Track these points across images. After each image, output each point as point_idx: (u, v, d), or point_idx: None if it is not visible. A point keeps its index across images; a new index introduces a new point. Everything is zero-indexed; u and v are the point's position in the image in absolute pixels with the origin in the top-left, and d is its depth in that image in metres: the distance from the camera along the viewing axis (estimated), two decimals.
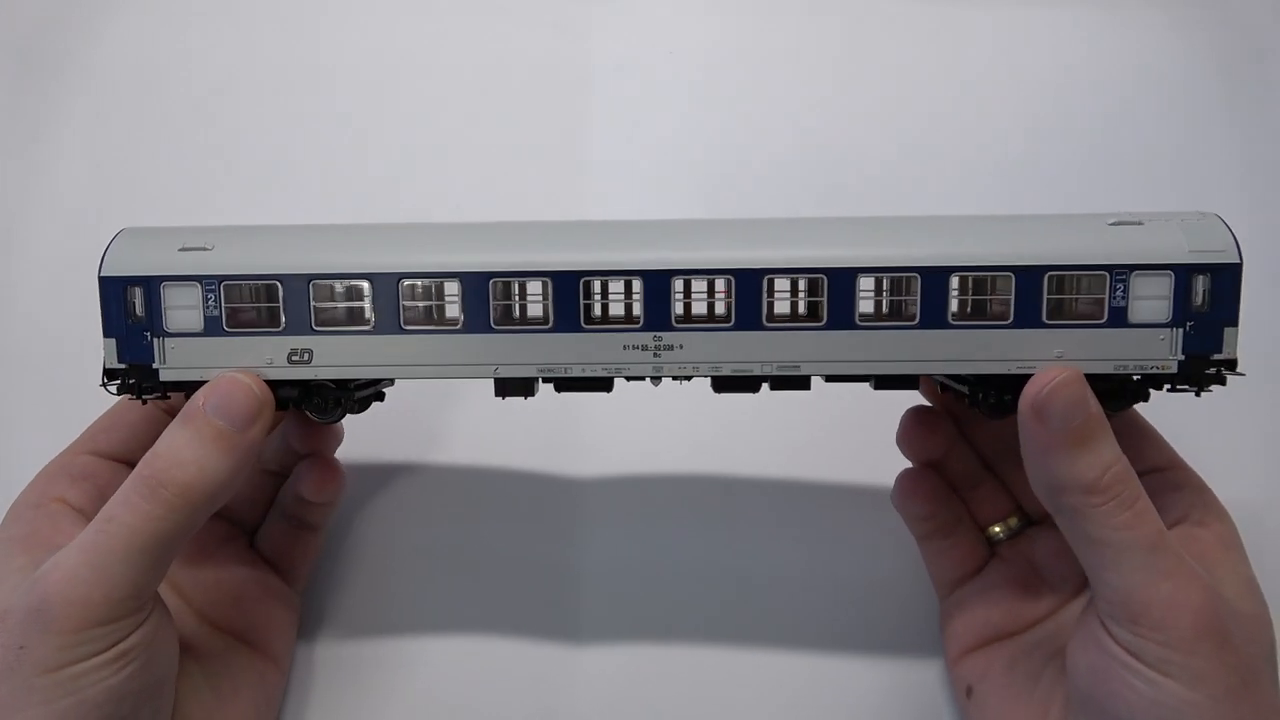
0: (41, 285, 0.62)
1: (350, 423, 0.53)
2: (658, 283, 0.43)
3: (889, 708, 0.54)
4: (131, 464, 0.46)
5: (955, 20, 0.65)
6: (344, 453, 0.55)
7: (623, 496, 0.58)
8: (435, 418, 0.60)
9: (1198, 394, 0.43)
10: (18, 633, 0.38)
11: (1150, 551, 0.39)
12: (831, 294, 0.43)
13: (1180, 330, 0.42)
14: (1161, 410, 0.46)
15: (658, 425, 0.58)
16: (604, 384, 0.44)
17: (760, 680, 0.55)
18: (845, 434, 0.57)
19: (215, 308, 0.43)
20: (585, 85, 0.65)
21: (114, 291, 0.43)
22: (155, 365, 0.44)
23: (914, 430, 0.51)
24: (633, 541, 0.58)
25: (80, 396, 0.48)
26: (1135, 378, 0.43)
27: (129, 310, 0.43)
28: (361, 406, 0.49)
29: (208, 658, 0.48)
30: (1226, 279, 0.42)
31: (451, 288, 0.43)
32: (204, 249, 0.44)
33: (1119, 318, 0.42)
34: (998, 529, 0.52)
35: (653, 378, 0.44)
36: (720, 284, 0.43)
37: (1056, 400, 0.40)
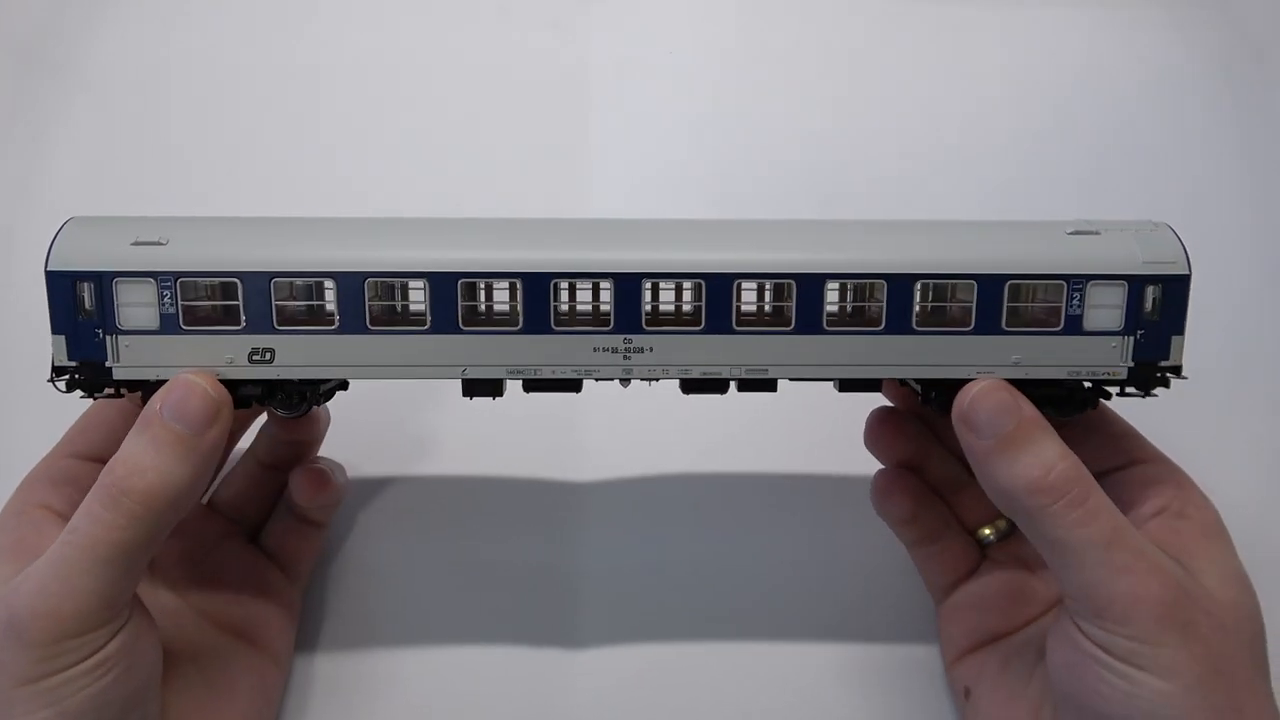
0: (39, 284, 0.60)
1: (344, 429, 0.53)
2: (628, 286, 0.43)
3: (894, 705, 0.54)
4: None
5: (956, 19, 0.65)
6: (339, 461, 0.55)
7: (621, 498, 0.58)
8: (428, 424, 0.59)
9: (1144, 396, 0.45)
10: None
11: (1106, 548, 0.39)
12: (800, 299, 0.43)
13: (1131, 338, 0.44)
14: (1148, 409, 0.47)
15: (652, 425, 0.58)
16: (573, 385, 0.44)
17: (764, 681, 0.55)
18: (846, 430, 0.55)
19: (171, 305, 0.42)
20: (585, 85, 0.64)
21: (62, 287, 0.42)
22: (108, 364, 0.42)
23: (879, 430, 0.51)
24: (632, 543, 0.57)
25: (78, 397, 0.45)
26: (1086, 384, 0.45)
27: (79, 306, 0.42)
28: (326, 397, 0.48)
29: (204, 656, 0.47)
30: (1176, 289, 0.43)
31: (418, 288, 0.43)
32: (158, 243, 0.42)
33: (1074, 325, 0.44)
34: (987, 531, 0.52)
35: (621, 379, 0.44)
36: (690, 288, 0.43)
37: (980, 409, 0.41)
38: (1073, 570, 0.40)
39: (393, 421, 0.54)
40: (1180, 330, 0.44)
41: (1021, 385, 0.43)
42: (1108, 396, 0.46)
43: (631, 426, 0.58)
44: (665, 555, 0.57)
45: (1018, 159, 0.64)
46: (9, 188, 0.63)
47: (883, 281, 0.43)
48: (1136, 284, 0.43)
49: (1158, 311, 0.44)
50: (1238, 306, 0.56)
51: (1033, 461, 0.40)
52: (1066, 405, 0.45)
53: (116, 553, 0.39)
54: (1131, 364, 0.44)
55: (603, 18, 0.65)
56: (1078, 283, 0.43)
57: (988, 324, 0.43)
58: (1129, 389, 0.45)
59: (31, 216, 0.62)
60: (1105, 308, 0.44)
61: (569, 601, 0.56)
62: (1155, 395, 0.45)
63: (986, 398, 0.41)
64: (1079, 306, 0.43)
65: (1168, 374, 0.44)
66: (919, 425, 0.52)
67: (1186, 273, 0.43)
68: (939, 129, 0.64)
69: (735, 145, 0.64)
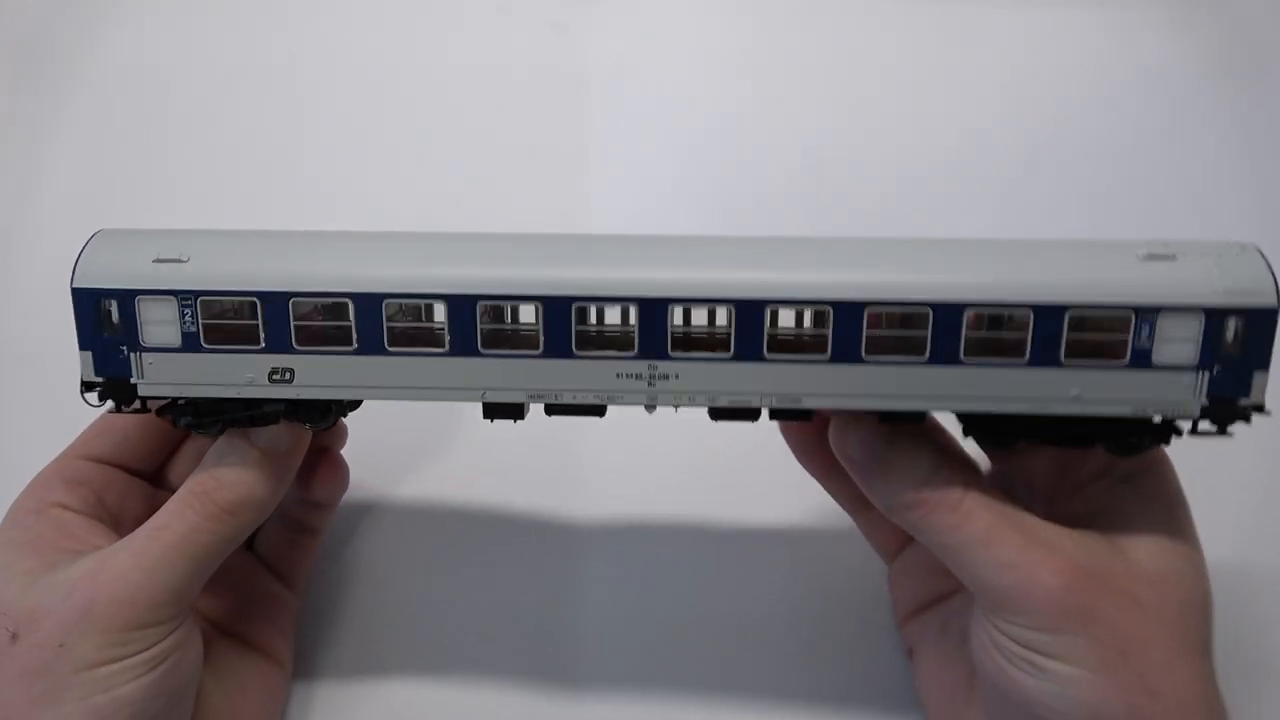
0: (42, 285, 0.61)
1: (351, 447, 0.53)
2: (654, 311, 0.40)
3: None
4: (126, 468, 0.48)
5: (956, 23, 0.63)
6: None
7: (623, 535, 0.56)
8: (428, 454, 0.59)
9: (1220, 434, 0.41)
10: (58, 631, 0.40)
11: (985, 546, 0.40)
12: (837, 327, 0.40)
13: (1206, 373, 0.40)
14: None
15: (659, 458, 0.56)
16: (597, 410, 0.43)
17: None
18: None
19: (193, 324, 0.42)
20: (585, 87, 0.62)
21: (88, 303, 0.42)
22: (134, 380, 0.42)
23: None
24: (634, 583, 0.55)
25: (80, 398, 0.46)
26: (1155, 419, 0.41)
27: (104, 322, 0.42)
28: (351, 407, 0.48)
29: (215, 661, 0.48)
30: (1262, 323, 0.39)
31: (439, 310, 0.41)
32: (179, 260, 0.42)
33: (1142, 359, 0.40)
34: None
35: (646, 406, 0.42)
36: (720, 314, 0.41)
37: (850, 442, 0.43)
38: (964, 570, 0.41)
39: (388, 454, 0.54)
40: (1265, 366, 0.40)
41: (1078, 420, 0.41)
42: (1179, 433, 0.42)
43: (637, 456, 0.57)
44: (669, 597, 0.55)
45: (1022, 163, 0.62)
46: (9, 188, 0.63)
47: (929, 310, 0.40)
48: (1216, 315, 0.39)
49: (1239, 346, 0.39)
50: None
51: (904, 481, 0.42)
52: (1134, 441, 0.42)
53: (201, 551, 0.42)
54: (1205, 401, 0.40)
55: (603, 19, 0.63)
56: (1147, 315, 0.39)
57: (1045, 356, 0.40)
58: (1201, 428, 0.41)
59: (31, 218, 0.62)
60: (1178, 341, 0.40)
61: (570, 642, 0.54)
62: (1231, 434, 0.41)
63: (852, 431, 0.43)
64: (1149, 339, 0.40)
65: (1248, 412, 0.40)
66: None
67: (1275, 305, 0.39)
68: (941, 133, 0.62)
69: (737, 148, 0.62)
